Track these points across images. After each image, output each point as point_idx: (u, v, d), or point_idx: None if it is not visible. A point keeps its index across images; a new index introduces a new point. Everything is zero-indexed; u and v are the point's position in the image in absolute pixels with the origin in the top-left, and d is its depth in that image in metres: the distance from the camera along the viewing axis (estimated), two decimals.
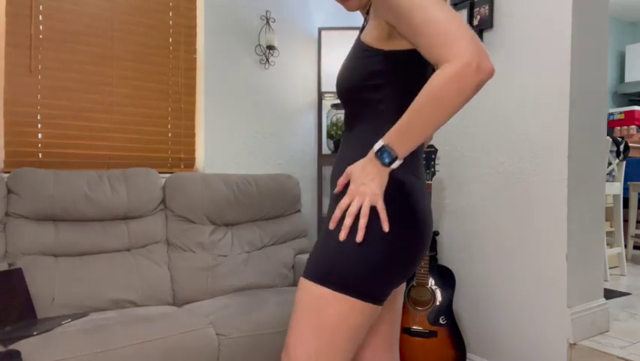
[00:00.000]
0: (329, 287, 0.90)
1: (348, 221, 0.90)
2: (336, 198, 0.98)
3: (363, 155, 0.96)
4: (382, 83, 0.97)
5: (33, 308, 1.80)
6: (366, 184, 0.90)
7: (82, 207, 2.06)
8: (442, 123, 0.85)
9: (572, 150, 1.90)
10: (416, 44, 0.88)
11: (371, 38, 0.98)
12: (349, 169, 0.94)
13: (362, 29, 1.07)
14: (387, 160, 0.88)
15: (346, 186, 0.96)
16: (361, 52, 1.00)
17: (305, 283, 0.94)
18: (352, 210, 0.90)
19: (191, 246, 2.28)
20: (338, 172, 1.03)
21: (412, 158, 0.98)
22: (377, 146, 0.90)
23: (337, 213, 0.92)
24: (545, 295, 1.96)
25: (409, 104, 0.95)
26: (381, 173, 0.90)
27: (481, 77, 0.81)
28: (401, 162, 0.89)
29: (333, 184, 1.05)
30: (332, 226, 0.93)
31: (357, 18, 3.18)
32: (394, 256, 0.91)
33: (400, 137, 0.88)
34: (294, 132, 2.97)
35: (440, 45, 0.83)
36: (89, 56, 2.34)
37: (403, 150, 0.88)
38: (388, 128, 0.94)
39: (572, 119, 1.90)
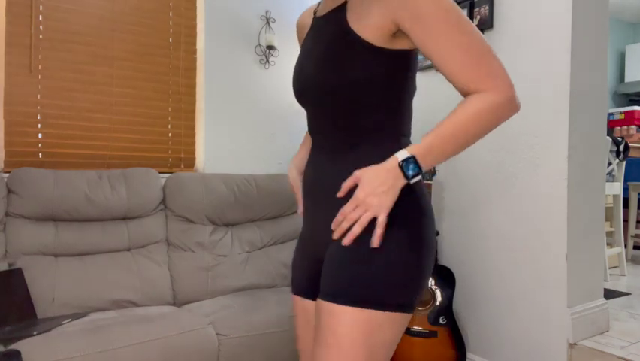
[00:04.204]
0: (377, 309, 0.83)
1: (357, 229, 0.84)
2: (334, 204, 0.92)
3: (364, 162, 0.90)
4: (384, 84, 0.90)
5: (33, 308, 1.80)
6: (379, 195, 0.83)
7: (82, 207, 2.06)
8: (466, 148, 0.86)
9: (572, 150, 1.90)
10: (442, 62, 0.84)
11: (372, 35, 0.87)
12: (359, 173, 0.86)
13: (342, 11, 0.92)
14: (411, 173, 0.83)
15: (350, 191, 0.89)
16: (358, 48, 0.88)
17: (342, 310, 0.84)
18: (353, 216, 0.85)
19: (191, 246, 2.28)
20: (327, 181, 0.94)
21: None
22: (402, 155, 0.84)
23: (339, 218, 0.87)
24: (545, 295, 1.96)
25: (407, 105, 0.94)
26: (397, 185, 0.84)
27: (513, 113, 0.85)
28: (420, 178, 0.86)
29: (314, 194, 0.97)
30: (336, 235, 0.87)
31: None
32: (426, 265, 0.88)
33: (428, 152, 0.83)
34: (294, 132, 2.97)
35: (482, 74, 0.83)
36: (89, 56, 2.34)
37: (427, 166, 0.85)
38: (391, 135, 0.91)
39: (572, 119, 1.90)
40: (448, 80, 0.87)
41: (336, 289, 0.86)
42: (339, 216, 0.87)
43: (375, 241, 0.83)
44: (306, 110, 1.01)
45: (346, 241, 0.85)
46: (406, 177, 0.83)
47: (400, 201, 0.87)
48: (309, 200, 0.99)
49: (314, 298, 1.03)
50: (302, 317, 1.07)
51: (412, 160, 0.83)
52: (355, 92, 0.90)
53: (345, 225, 0.86)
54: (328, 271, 0.89)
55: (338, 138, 0.94)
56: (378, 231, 0.83)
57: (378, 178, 0.84)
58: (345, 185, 0.88)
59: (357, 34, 0.89)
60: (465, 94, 0.86)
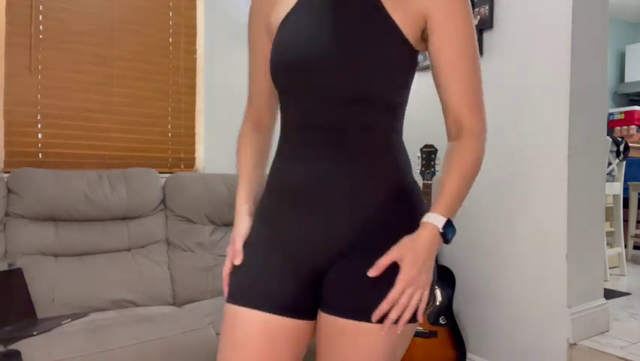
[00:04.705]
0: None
1: (408, 315, 0.77)
2: (339, 206, 0.83)
3: (368, 162, 0.84)
4: (402, 81, 0.86)
5: (33, 308, 1.80)
6: (427, 271, 0.79)
7: (82, 207, 2.06)
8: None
9: (572, 150, 1.90)
10: (450, 72, 0.83)
11: (408, 27, 0.82)
12: (399, 252, 0.78)
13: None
14: (451, 236, 0.81)
15: (389, 269, 0.79)
16: (396, 39, 0.81)
17: (373, 328, 0.78)
18: (404, 301, 0.77)
19: (191, 246, 2.28)
20: (329, 181, 0.82)
21: None
22: (440, 222, 0.80)
23: (385, 306, 0.77)
24: (545, 295, 1.96)
25: (406, 104, 0.91)
26: (436, 252, 0.81)
27: None
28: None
29: (312, 194, 0.83)
30: (387, 329, 0.78)
31: None
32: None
33: (454, 208, 0.82)
34: None
35: (475, 100, 0.85)
36: (89, 56, 2.34)
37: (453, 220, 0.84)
38: (392, 132, 0.86)
39: (572, 119, 1.90)
40: (443, 93, 0.85)
41: (366, 306, 0.78)
42: (384, 305, 0.77)
43: (420, 316, 0.80)
44: (298, 97, 0.84)
45: (400, 328, 0.78)
46: (446, 241, 0.81)
47: (409, 216, 0.84)
48: (301, 201, 0.85)
49: (305, 317, 0.86)
50: (267, 337, 0.84)
51: (450, 223, 0.81)
52: (383, 88, 0.82)
53: (394, 315, 0.77)
54: (348, 286, 0.80)
55: (340, 133, 0.83)
56: (423, 307, 0.80)
57: (424, 253, 0.79)
58: (382, 264, 0.79)
59: (395, 23, 0.81)
60: (452, 115, 0.85)
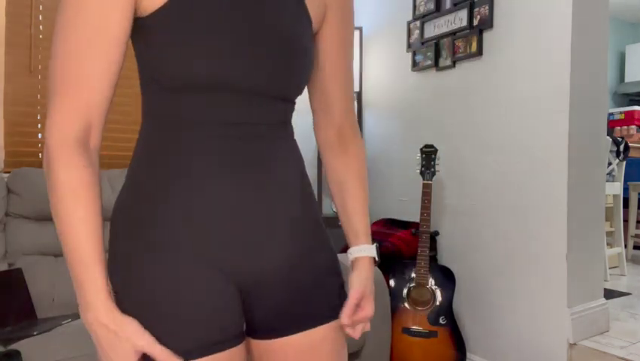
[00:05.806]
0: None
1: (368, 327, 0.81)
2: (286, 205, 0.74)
3: (303, 171, 0.79)
4: None
5: (33, 308, 1.80)
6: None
7: None
8: None
9: (572, 150, 1.90)
10: (341, 70, 0.79)
11: (314, 16, 0.75)
12: (362, 290, 0.77)
13: None
14: (378, 255, 0.91)
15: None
16: (312, 40, 0.75)
17: (338, 324, 0.78)
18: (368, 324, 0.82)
19: None
20: (275, 174, 0.72)
21: None
22: (373, 249, 0.82)
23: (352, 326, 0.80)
24: (545, 295, 1.96)
25: None
26: None
27: None
28: None
29: (256, 192, 0.70)
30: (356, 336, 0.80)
31: (358, 18, 3.17)
32: None
33: (369, 226, 0.86)
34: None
35: (353, 105, 0.84)
36: None
37: None
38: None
39: (572, 119, 1.90)
40: (325, 97, 0.80)
41: (336, 303, 0.78)
42: (358, 332, 0.80)
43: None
44: (227, 92, 0.66)
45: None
46: (376, 262, 0.85)
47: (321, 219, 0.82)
48: (237, 202, 0.68)
49: (243, 338, 0.73)
50: None
51: (376, 245, 0.85)
52: (304, 86, 0.76)
53: (360, 330, 0.80)
54: (314, 290, 0.76)
55: (272, 128, 0.72)
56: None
57: (373, 284, 0.81)
58: (352, 303, 0.77)
59: (310, 18, 0.74)
60: (336, 123, 0.82)
